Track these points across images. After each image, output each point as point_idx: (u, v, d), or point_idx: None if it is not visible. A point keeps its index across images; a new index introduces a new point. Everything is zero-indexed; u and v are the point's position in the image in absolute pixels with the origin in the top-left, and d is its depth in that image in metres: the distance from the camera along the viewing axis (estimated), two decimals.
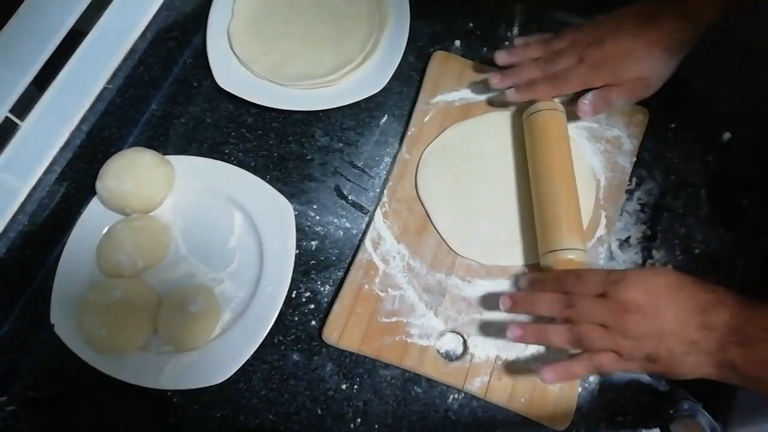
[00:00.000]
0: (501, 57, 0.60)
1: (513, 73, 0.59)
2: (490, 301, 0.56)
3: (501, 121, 0.63)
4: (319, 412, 0.54)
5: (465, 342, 0.55)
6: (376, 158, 0.64)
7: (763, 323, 0.42)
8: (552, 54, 0.58)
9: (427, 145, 0.62)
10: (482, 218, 0.59)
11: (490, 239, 0.58)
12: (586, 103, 0.56)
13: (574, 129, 0.62)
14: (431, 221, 0.59)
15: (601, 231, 0.59)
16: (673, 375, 0.46)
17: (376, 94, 0.64)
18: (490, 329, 0.55)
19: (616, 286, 0.46)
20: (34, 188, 0.58)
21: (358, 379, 0.55)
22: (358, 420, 0.54)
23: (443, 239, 0.58)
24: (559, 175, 0.55)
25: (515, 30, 0.70)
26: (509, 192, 0.60)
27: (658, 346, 0.44)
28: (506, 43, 0.69)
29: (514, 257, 0.58)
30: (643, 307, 0.44)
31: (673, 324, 0.44)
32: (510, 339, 0.49)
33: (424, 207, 0.60)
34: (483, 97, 0.65)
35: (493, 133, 0.63)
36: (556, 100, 0.59)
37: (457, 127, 0.63)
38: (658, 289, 0.45)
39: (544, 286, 0.51)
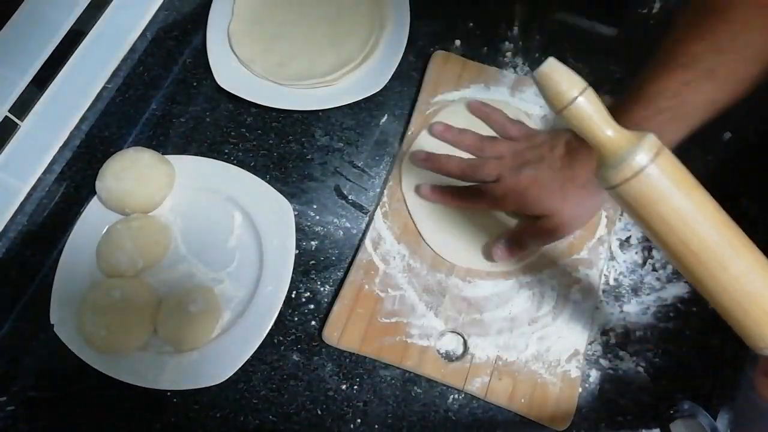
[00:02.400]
0: (438, 128, 0.61)
1: (440, 159, 0.59)
2: (490, 301, 0.56)
3: (460, 117, 0.63)
4: (319, 412, 0.54)
5: (465, 342, 0.55)
6: (376, 158, 0.64)
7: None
8: (476, 152, 0.59)
9: (407, 150, 0.62)
10: (469, 223, 0.59)
11: (480, 244, 0.58)
12: (500, 248, 0.55)
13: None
14: (418, 231, 0.59)
15: (601, 231, 0.59)
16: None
17: (376, 94, 0.64)
18: (490, 329, 0.55)
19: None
20: (34, 188, 0.58)
21: (358, 380, 0.55)
22: (358, 420, 0.54)
23: (432, 250, 0.58)
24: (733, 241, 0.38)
25: (515, 30, 0.70)
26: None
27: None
28: (507, 43, 0.68)
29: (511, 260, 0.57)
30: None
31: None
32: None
33: (411, 217, 0.59)
34: (483, 97, 0.64)
35: (467, 125, 0.62)
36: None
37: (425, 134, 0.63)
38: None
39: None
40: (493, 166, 0.56)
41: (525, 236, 0.55)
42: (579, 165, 0.52)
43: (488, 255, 0.57)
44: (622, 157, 0.34)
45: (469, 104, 0.63)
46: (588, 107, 0.35)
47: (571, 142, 0.53)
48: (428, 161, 0.60)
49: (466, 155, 0.60)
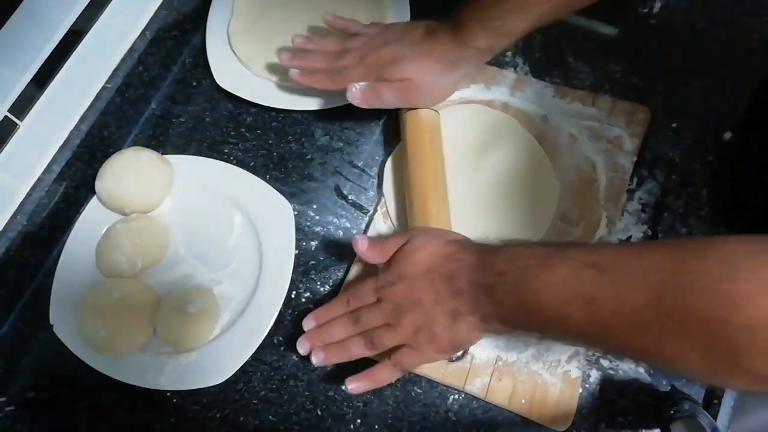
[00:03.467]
0: (299, 40, 0.62)
1: (303, 56, 0.61)
2: None
3: (461, 117, 0.63)
4: (319, 412, 0.54)
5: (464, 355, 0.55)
6: (376, 158, 0.64)
7: (495, 268, 0.44)
8: (342, 51, 0.60)
9: (389, 155, 0.62)
10: (459, 225, 0.58)
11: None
12: (356, 88, 0.58)
13: (575, 128, 0.62)
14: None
15: (602, 231, 0.58)
16: (459, 346, 0.50)
17: None
18: None
19: (383, 290, 0.49)
20: (33, 188, 0.57)
21: None
22: (358, 421, 0.54)
23: None
24: (419, 174, 0.57)
25: None
26: (479, 189, 0.60)
27: (432, 327, 0.46)
28: None
29: None
30: (406, 299, 0.47)
31: (431, 303, 0.46)
32: (316, 364, 0.50)
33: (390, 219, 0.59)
34: (483, 97, 0.64)
35: (447, 131, 0.62)
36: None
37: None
38: (413, 278, 0.48)
39: (331, 314, 0.52)
40: (357, 46, 0.60)
41: (382, 87, 0.57)
42: (437, 42, 0.56)
43: None
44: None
45: (324, 18, 0.63)
46: None
47: (431, 26, 0.58)
48: (294, 59, 0.61)
49: None
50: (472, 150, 0.62)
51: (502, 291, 0.43)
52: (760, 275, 0.32)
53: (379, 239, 0.52)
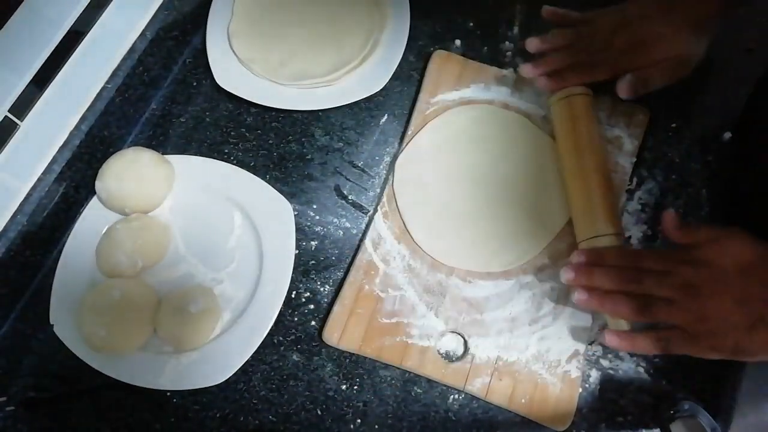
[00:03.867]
0: (533, 44, 0.61)
1: (544, 61, 0.60)
2: (490, 301, 0.56)
3: (466, 115, 0.63)
4: (319, 412, 0.54)
5: (466, 342, 0.55)
6: (376, 158, 0.64)
7: None
8: (580, 40, 0.59)
9: (398, 154, 0.62)
10: (465, 225, 0.59)
11: (479, 246, 0.58)
12: (625, 82, 0.57)
13: None
14: (414, 240, 0.58)
15: None
16: (742, 355, 0.46)
17: (376, 93, 0.64)
18: (490, 330, 0.55)
19: (680, 265, 0.47)
20: (34, 188, 0.58)
21: (358, 380, 0.55)
22: (358, 420, 0.54)
23: (426, 253, 0.58)
24: (594, 162, 0.56)
25: (515, 30, 0.69)
26: (490, 190, 0.60)
27: (723, 323, 0.44)
28: (507, 43, 0.68)
29: (509, 260, 0.57)
30: (708, 284, 0.45)
31: (737, 301, 0.44)
32: (576, 302, 0.50)
33: (405, 226, 0.59)
34: (483, 97, 0.64)
35: (459, 130, 0.62)
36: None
37: (423, 132, 0.63)
38: (722, 269, 0.46)
39: (603, 260, 0.51)
40: (592, 34, 0.58)
41: (651, 74, 0.56)
42: (687, 6, 0.54)
43: (487, 261, 0.58)
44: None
45: (543, 11, 0.62)
46: None
47: None
48: (537, 66, 0.59)
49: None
50: (487, 150, 0.62)
51: None
52: None
53: (691, 224, 0.50)
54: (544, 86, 0.60)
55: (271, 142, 0.65)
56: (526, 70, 0.60)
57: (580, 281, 0.50)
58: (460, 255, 0.58)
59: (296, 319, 0.57)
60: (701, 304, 0.45)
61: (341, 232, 0.61)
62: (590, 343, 0.55)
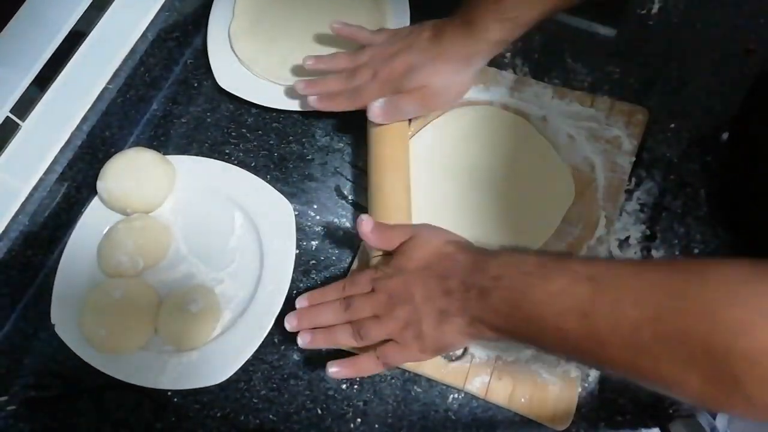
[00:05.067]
0: (309, 62, 0.62)
1: (318, 82, 0.61)
2: None
3: (461, 117, 0.63)
4: (320, 411, 0.54)
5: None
6: None
7: (491, 272, 0.44)
8: (353, 68, 0.60)
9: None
10: (463, 225, 0.58)
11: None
12: (376, 106, 0.58)
13: (574, 129, 0.62)
14: None
15: (600, 231, 0.59)
16: (444, 348, 0.48)
17: None
18: None
19: (379, 281, 0.49)
20: (35, 188, 0.58)
21: (358, 379, 0.55)
22: (358, 420, 0.54)
23: None
24: (384, 182, 0.57)
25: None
26: (485, 191, 0.60)
27: (419, 324, 0.46)
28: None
29: None
30: (399, 290, 0.47)
31: (422, 299, 0.46)
32: (301, 345, 0.50)
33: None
34: (482, 98, 0.65)
35: (456, 131, 0.63)
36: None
37: (421, 135, 0.63)
38: (409, 273, 0.47)
39: (324, 297, 0.51)
40: (367, 60, 0.60)
41: (401, 100, 0.58)
42: (447, 42, 0.56)
43: None
44: None
45: (331, 27, 0.63)
46: None
47: (438, 25, 0.57)
48: (310, 87, 0.61)
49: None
50: (484, 151, 0.62)
51: (497, 296, 0.43)
52: (759, 303, 0.32)
53: (385, 226, 0.51)
54: (315, 105, 0.61)
55: (271, 142, 0.65)
56: (300, 86, 0.62)
57: (304, 324, 0.50)
58: None
59: None
60: (401, 311, 0.47)
61: (341, 232, 0.61)
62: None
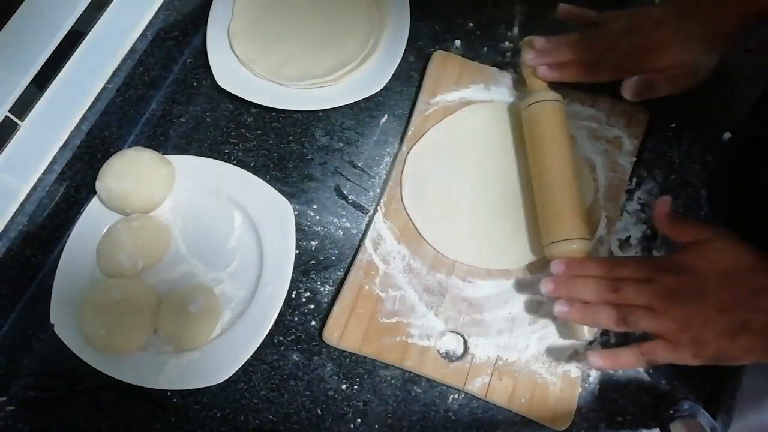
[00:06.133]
0: (539, 42, 0.61)
1: (548, 51, 0.60)
2: (490, 301, 0.56)
3: (481, 113, 0.63)
4: (319, 412, 0.54)
5: (465, 342, 0.55)
6: (376, 158, 0.64)
7: None
8: (587, 39, 0.59)
9: (410, 150, 0.62)
10: (472, 221, 0.59)
11: (483, 242, 0.58)
12: (632, 84, 0.57)
13: (574, 128, 0.62)
14: (418, 231, 0.59)
15: (601, 231, 0.59)
16: (725, 360, 0.45)
17: (376, 94, 0.64)
18: (490, 329, 0.55)
19: (660, 273, 0.46)
20: (34, 188, 0.58)
21: (358, 380, 0.55)
22: (358, 420, 0.54)
23: (434, 248, 0.58)
24: (559, 166, 0.56)
25: (515, 30, 0.70)
26: (500, 190, 0.60)
27: (705, 331, 0.44)
28: (507, 43, 0.68)
29: (514, 259, 0.58)
30: (689, 291, 0.45)
31: (717, 308, 0.44)
32: (556, 314, 0.49)
33: (410, 217, 0.59)
34: (483, 97, 0.64)
35: (475, 130, 0.63)
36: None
37: (438, 127, 0.63)
38: (704, 275, 0.45)
39: (583, 270, 0.50)
40: (604, 34, 0.57)
41: (656, 80, 0.57)
42: (701, 18, 0.52)
43: (491, 259, 0.58)
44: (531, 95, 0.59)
45: (559, 9, 0.61)
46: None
47: (685, 2, 0.54)
48: (541, 56, 0.59)
49: None
50: (498, 149, 0.62)
51: None
52: None
53: (682, 217, 0.50)
54: (544, 75, 0.59)
55: (271, 142, 0.65)
56: (530, 56, 0.60)
57: (561, 292, 0.50)
58: (464, 250, 0.58)
59: (296, 318, 0.57)
60: (683, 311, 0.45)
61: (341, 232, 0.61)
62: (590, 343, 0.55)
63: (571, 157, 0.57)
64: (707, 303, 0.44)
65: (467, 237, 0.58)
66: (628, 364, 0.48)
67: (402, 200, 0.60)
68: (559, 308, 0.49)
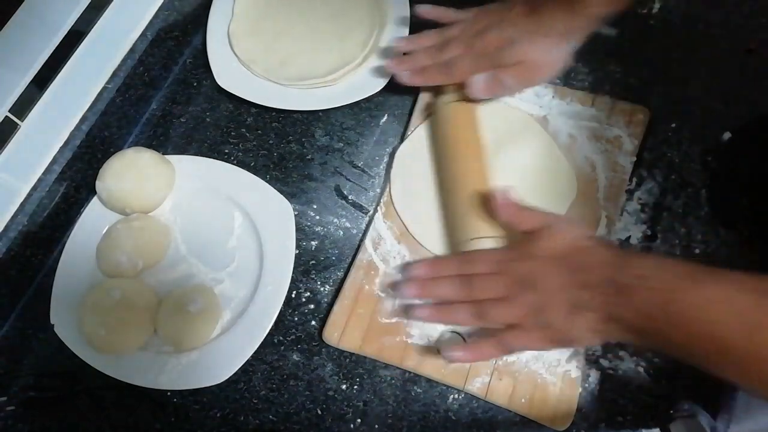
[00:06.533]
0: (400, 43, 0.63)
1: (408, 59, 0.62)
2: None
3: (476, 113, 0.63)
4: (319, 412, 0.54)
5: (465, 342, 0.55)
6: (376, 158, 0.64)
7: (635, 270, 0.42)
8: (443, 43, 0.60)
9: (396, 149, 0.62)
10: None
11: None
12: (480, 81, 0.58)
13: (575, 128, 0.62)
14: (407, 229, 0.59)
15: (601, 231, 0.59)
16: (570, 341, 0.47)
17: (376, 94, 0.64)
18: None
19: (506, 262, 0.48)
20: (34, 188, 0.58)
21: (358, 379, 0.55)
22: (358, 420, 0.54)
23: (422, 246, 0.58)
24: (470, 164, 0.57)
25: None
26: (485, 185, 0.60)
27: (548, 311, 0.45)
28: None
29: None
30: (529, 276, 0.46)
31: (555, 288, 0.45)
32: (419, 319, 0.50)
33: (398, 214, 0.59)
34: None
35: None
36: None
37: (424, 126, 0.63)
38: (543, 260, 0.47)
39: (439, 270, 0.51)
40: (457, 34, 0.59)
41: (505, 75, 0.57)
42: (545, 17, 0.55)
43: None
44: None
45: (417, 10, 0.63)
46: None
47: (531, 1, 0.56)
48: (400, 63, 0.61)
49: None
50: (489, 147, 0.62)
51: (641, 295, 0.41)
52: None
53: (520, 205, 0.50)
54: (406, 81, 0.61)
55: (271, 142, 0.65)
56: (390, 65, 0.61)
57: (422, 295, 0.50)
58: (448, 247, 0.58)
59: (296, 318, 0.57)
60: (530, 297, 0.46)
61: (341, 232, 0.61)
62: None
63: (480, 155, 0.58)
64: (549, 286, 0.45)
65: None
66: (489, 353, 0.49)
67: (391, 199, 0.60)
68: (420, 313, 0.50)
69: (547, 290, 0.45)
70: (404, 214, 0.59)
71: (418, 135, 0.63)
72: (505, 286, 0.47)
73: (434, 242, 0.58)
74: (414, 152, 0.62)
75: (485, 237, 0.53)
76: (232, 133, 0.66)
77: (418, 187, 0.60)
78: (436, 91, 0.63)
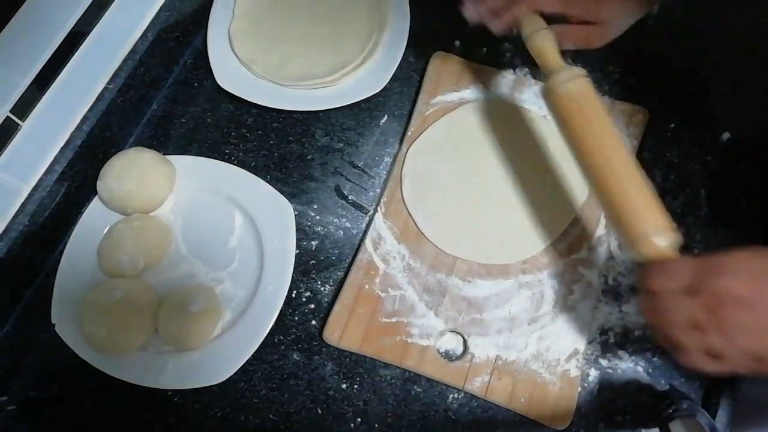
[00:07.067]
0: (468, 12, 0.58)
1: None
2: (490, 301, 0.56)
3: (481, 112, 0.63)
4: (320, 411, 0.54)
5: (465, 342, 0.55)
6: (376, 158, 0.64)
7: None
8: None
9: (409, 147, 0.62)
10: (471, 217, 0.59)
11: (481, 237, 0.58)
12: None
13: None
14: (417, 227, 0.59)
15: (600, 231, 0.59)
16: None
17: (376, 94, 0.64)
18: (490, 329, 0.55)
19: (708, 276, 0.39)
20: (35, 188, 0.58)
21: (358, 379, 0.55)
22: (358, 419, 0.54)
23: (434, 244, 0.58)
24: (616, 152, 0.48)
25: (515, 30, 0.69)
26: (498, 186, 0.60)
27: (763, 341, 0.38)
28: (507, 44, 0.69)
29: (512, 254, 0.58)
30: (743, 297, 0.38)
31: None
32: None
33: (409, 213, 0.60)
34: (483, 98, 0.65)
35: (473, 125, 0.63)
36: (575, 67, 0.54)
37: (438, 125, 0.63)
38: (759, 274, 0.38)
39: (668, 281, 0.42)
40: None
41: (566, 35, 0.55)
42: None
43: (489, 254, 0.58)
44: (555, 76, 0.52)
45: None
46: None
47: None
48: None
49: None
50: (498, 146, 0.62)
51: None
52: None
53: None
54: (494, 26, 0.56)
55: (271, 142, 0.65)
56: (469, 10, 0.56)
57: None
58: (463, 246, 0.58)
59: (297, 318, 0.58)
60: (733, 322, 0.38)
61: (341, 232, 0.61)
62: (589, 342, 0.55)
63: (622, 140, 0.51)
64: (761, 311, 0.38)
65: (466, 232, 0.59)
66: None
67: (402, 197, 0.60)
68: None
69: (764, 316, 0.38)
70: (415, 212, 0.59)
71: (430, 134, 0.63)
72: (700, 308, 0.39)
73: (446, 241, 0.58)
74: (427, 151, 0.62)
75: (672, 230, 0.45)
76: (233, 134, 0.66)
77: (431, 185, 0.60)
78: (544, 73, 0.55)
